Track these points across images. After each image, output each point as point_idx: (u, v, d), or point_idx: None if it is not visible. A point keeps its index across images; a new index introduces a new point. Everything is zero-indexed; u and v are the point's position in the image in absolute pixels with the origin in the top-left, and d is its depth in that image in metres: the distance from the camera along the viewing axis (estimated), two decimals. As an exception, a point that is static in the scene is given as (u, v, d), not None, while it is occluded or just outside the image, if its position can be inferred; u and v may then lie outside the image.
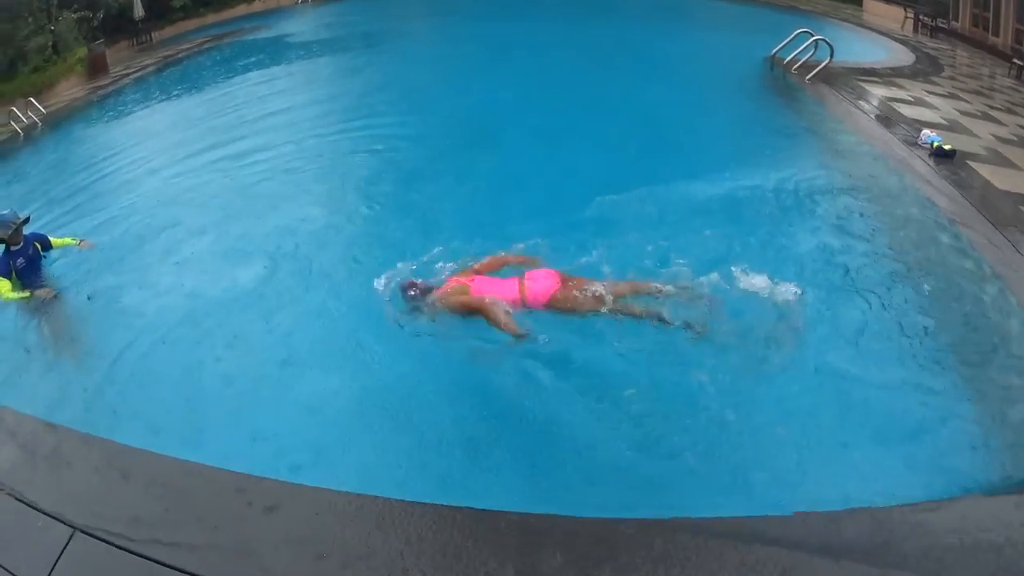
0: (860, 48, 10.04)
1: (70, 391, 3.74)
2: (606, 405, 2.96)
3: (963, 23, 12.43)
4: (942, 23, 11.42)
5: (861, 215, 4.46)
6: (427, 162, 6.18)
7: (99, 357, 3.97)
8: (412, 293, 3.42)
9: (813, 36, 7.37)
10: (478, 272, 3.56)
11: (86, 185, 7.70)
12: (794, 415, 2.85)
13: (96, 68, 15.06)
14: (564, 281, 3.35)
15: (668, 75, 8.24)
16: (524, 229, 4.39)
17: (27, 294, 4.72)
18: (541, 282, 3.34)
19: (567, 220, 4.60)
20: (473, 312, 3.33)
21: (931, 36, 11.42)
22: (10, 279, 4.74)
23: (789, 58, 7.52)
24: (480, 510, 2.26)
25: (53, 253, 5.41)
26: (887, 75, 8.16)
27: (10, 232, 4.73)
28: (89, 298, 4.63)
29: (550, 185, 5.35)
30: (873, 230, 4.25)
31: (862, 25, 11.61)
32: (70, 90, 14.75)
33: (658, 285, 3.47)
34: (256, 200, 5.92)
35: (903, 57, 9.58)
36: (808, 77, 7.23)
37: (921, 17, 11.57)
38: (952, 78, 8.55)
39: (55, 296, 4.81)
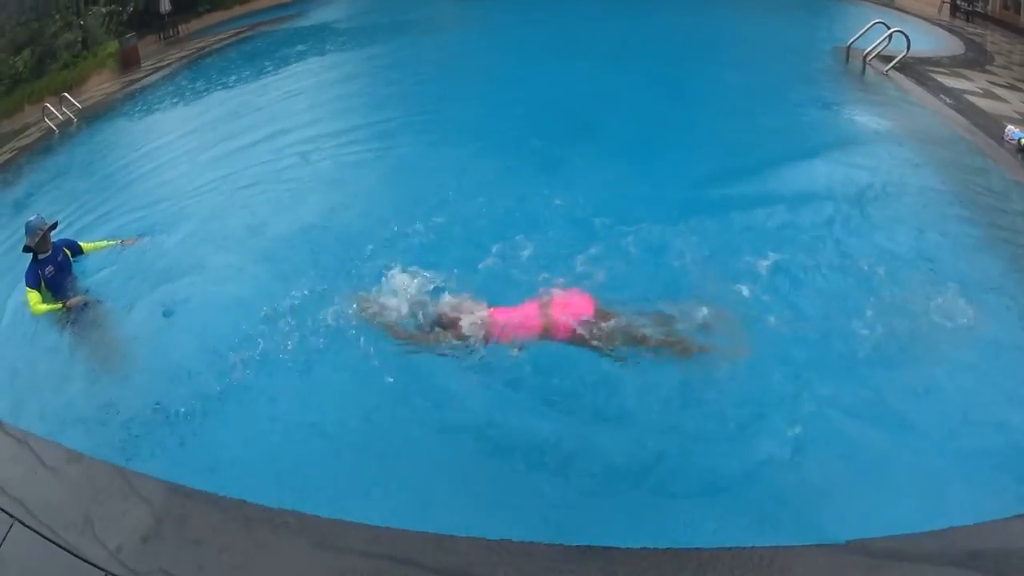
0: (909, 35, 10.38)
1: (119, 418, 3.48)
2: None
3: (993, 6, 12.81)
4: (978, 7, 11.82)
5: (966, 216, 4.67)
6: (490, 153, 6.14)
7: (158, 380, 3.72)
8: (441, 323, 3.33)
9: (889, 29, 7.71)
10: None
11: (125, 183, 7.62)
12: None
13: (128, 62, 14.83)
14: (598, 313, 3.20)
15: (742, 65, 8.44)
16: (599, 219, 4.55)
17: (59, 305, 4.40)
18: (572, 308, 3.20)
19: (652, 213, 4.67)
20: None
21: (967, 20, 11.82)
22: (39, 289, 4.44)
23: (868, 49, 7.85)
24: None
25: (98, 262, 5.11)
26: (949, 65, 8.56)
27: (37, 239, 4.45)
28: (166, 314, 4.34)
29: (622, 176, 5.47)
30: (985, 233, 4.43)
31: (902, 9, 11.95)
32: (102, 85, 14.54)
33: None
34: (321, 194, 5.82)
35: (953, 45, 9.96)
36: (887, 69, 7.61)
37: (958, 1, 11.96)
38: (1006, 67, 8.96)
39: (88, 303, 4.47)
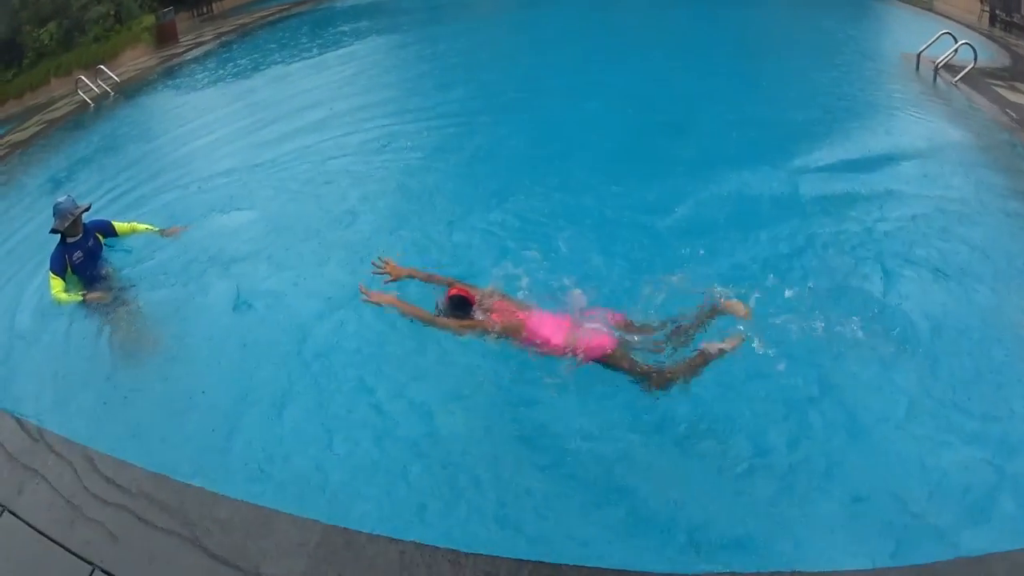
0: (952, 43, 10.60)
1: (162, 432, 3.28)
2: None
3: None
4: (1015, 18, 12.15)
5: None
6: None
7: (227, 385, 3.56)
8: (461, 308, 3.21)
9: (957, 41, 7.99)
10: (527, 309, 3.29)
11: (173, 158, 7.54)
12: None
13: (165, 37, 14.63)
14: (627, 326, 3.11)
15: (822, 66, 8.52)
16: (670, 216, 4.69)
17: (79, 296, 4.15)
18: (598, 334, 3.05)
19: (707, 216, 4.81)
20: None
21: (1005, 30, 12.15)
22: (64, 276, 4.18)
23: (939, 59, 8.12)
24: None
25: (148, 247, 4.82)
26: (1005, 77, 8.86)
27: (68, 223, 4.14)
28: (236, 308, 4.11)
29: (713, 175, 5.49)
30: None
31: (944, 15, 12.22)
32: (138, 59, 14.30)
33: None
34: (381, 182, 5.67)
35: (1000, 56, 10.24)
36: (955, 79, 7.90)
37: (996, 11, 12.27)
38: (1054, 80, 9.31)
39: (109, 300, 4.19)
